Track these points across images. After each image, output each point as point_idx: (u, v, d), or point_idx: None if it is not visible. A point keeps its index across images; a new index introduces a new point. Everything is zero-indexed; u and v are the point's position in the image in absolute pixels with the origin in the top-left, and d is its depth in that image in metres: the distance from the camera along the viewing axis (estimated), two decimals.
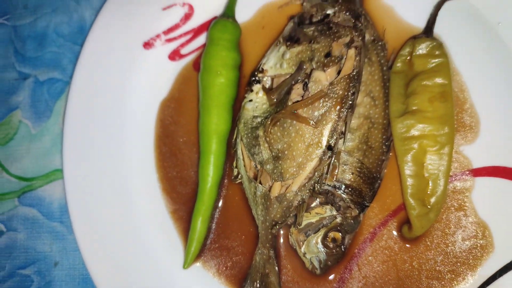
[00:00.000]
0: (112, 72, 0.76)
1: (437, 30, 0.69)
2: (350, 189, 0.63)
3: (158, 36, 0.76)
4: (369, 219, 0.66)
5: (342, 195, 0.63)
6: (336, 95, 0.61)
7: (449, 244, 0.63)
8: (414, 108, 0.63)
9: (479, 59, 0.68)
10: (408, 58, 0.67)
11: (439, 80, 0.63)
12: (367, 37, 0.68)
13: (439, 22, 0.69)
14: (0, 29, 0.88)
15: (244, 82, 0.74)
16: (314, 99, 0.61)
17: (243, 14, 0.76)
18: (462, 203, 0.64)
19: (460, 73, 0.68)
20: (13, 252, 0.79)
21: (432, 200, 0.61)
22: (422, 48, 0.65)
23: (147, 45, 0.76)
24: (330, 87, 0.61)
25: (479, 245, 0.63)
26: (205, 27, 0.77)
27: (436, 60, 0.64)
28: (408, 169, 0.62)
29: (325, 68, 0.62)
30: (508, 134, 0.65)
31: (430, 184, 0.61)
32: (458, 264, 0.63)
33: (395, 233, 0.66)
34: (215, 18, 0.77)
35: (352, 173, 0.63)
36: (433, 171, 0.61)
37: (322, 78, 0.62)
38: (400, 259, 0.64)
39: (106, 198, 0.73)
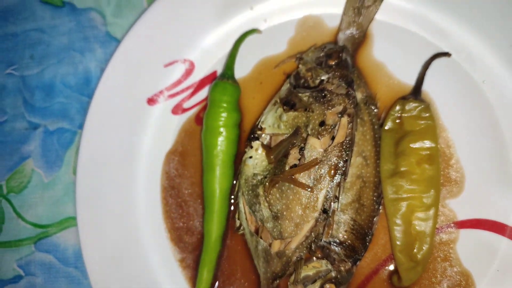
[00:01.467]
0: (119, 126, 0.80)
1: (425, 86, 0.74)
2: (343, 244, 0.68)
3: (161, 92, 0.81)
4: (362, 268, 0.72)
5: (336, 250, 0.68)
6: (330, 162, 0.65)
7: None
8: (403, 169, 0.68)
9: (465, 116, 0.72)
10: (398, 117, 0.71)
11: (426, 143, 0.67)
12: (359, 96, 0.72)
13: (427, 78, 0.73)
14: (8, 79, 0.92)
15: (244, 135, 0.78)
16: (310, 166, 0.65)
17: (241, 69, 0.80)
18: (448, 254, 0.70)
19: (447, 129, 0.73)
20: None
21: (419, 256, 0.66)
22: (411, 110, 0.70)
23: (151, 101, 0.80)
24: (325, 155, 0.66)
25: None
26: (206, 81, 0.81)
27: (424, 122, 0.69)
28: (397, 228, 0.67)
29: (319, 136, 0.66)
30: (491, 188, 0.70)
31: (417, 242, 0.66)
32: None
33: (386, 280, 0.71)
34: (215, 72, 0.81)
35: (346, 231, 0.68)
36: (420, 229, 0.66)
37: (317, 145, 0.66)
38: None
39: (117, 246, 0.78)
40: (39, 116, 0.90)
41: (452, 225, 0.70)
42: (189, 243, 0.78)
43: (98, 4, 0.90)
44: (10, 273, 0.86)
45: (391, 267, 0.71)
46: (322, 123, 0.66)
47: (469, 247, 0.70)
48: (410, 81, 0.75)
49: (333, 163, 0.65)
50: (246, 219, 0.73)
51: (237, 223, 0.75)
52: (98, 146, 0.80)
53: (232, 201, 0.76)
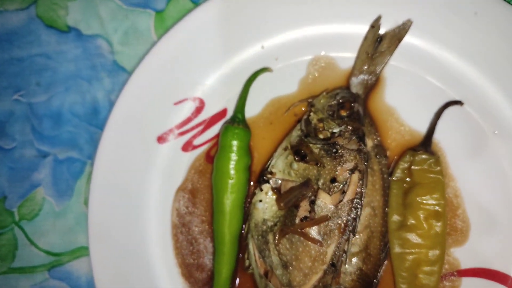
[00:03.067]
0: (129, 162, 0.81)
1: (436, 134, 0.74)
2: None
3: (171, 130, 0.81)
4: None
5: None
6: (340, 219, 0.67)
7: None
8: (410, 222, 0.69)
9: (474, 166, 0.73)
10: (407, 168, 0.72)
11: (434, 199, 0.68)
12: (370, 143, 0.73)
13: (438, 126, 0.73)
14: (16, 105, 0.91)
15: (254, 176, 0.79)
16: (320, 221, 0.67)
17: (252, 108, 0.79)
18: None
19: (455, 178, 0.73)
20: None
21: None
22: (421, 162, 0.70)
23: (161, 139, 0.81)
24: (335, 211, 0.67)
25: None
26: (216, 118, 0.81)
27: (433, 175, 0.69)
28: (402, 280, 0.69)
29: (330, 192, 0.67)
30: (495, 239, 0.72)
31: None
32: None
33: None
34: (225, 110, 0.81)
35: (352, 280, 0.71)
36: (425, 283, 0.68)
37: (328, 201, 0.67)
38: None
39: (130, 279, 0.81)
40: (48, 144, 0.90)
41: (455, 273, 0.73)
42: (199, 279, 0.80)
43: (104, 31, 0.88)
44: None
45: None
46: (334, 180, 0.67)
47: None
48: (420, 127, 0.75)
49: (343, 220, 0.67)
50: (255, 260, 0.75)
51: (247, 262, 0.77)
52: (109, 181, 0.81)
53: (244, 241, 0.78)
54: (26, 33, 0.92)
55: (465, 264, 0.73)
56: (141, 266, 0.81)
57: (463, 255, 0.73)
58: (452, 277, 0.73)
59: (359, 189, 0.67)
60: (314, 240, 0.67)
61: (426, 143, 0.72)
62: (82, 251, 0.88)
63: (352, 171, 0.67)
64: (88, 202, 0.86)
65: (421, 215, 0.69)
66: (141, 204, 0.81)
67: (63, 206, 0.89)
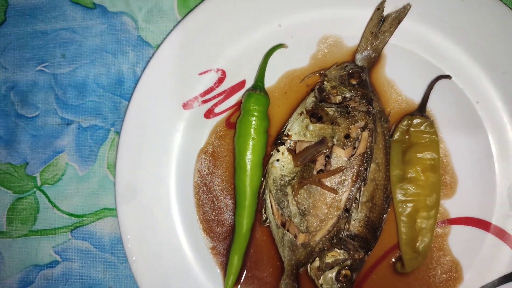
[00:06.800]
0: (155, 127, 0.88)
1: (428, 103, 0.86)
2: (358, 237, 0.81)
3: (195, 98, 0.89)
4: (371, 257, 0.84)
5: (352, 242, 0.81)
6: (353, 170, 0.77)
7: (431, 276, 0.84)
8: (410, 175, 0.80)
9: (460, 130, 0.85)
10: (405, 130, 0.83)
11: (430, 154, 0.80)
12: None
13: (430, 96, 0.86)
14: (40, 75, 0.96)
15: (270, 140, 0.88)
16: (335, 172, 0.77)
17: (268, 80, 0.89)
18: (441, 245, 0.84)
19: (444, 141, 0.85)
20: (69, 279, 0.93)
21: (421, 248, 0.80)
22: (417, 125, 0.82)
23: (186, 105, 0.88)
24: (348, 163, 0.77)
25: (452, 277, 0.83)
26: (236, 89, 0.90)
27: (428, 136, 0.81)
28: (403, 225, 0.80)
29: (344, 147, 0.77)
30: (479, 192, 0.84)
31: (420, 236, 0.80)
32: None
33: (391, 266, 0.85)
34: (244, 81, 0.90)
35: (360, 226, 0.81)
36: (422, 226, 0.80)
37: (342, 154, 0.78)
38: (394, 287, 0.84)
39: (154, 236, 0.87)
40: (72, 113, 0.95)
41: (446, 221, 0.84)
42: (219, 233, 0.88)
43: (129, 9, 0.95)
44: (47, 258, 0.93)
45: (395, 257, 0.85)
46: (347, 136, 0.77)
47: (458, 240, 0.84)
48: (415, 97, 0.87)
49: (355, 171, 0.77)
50: (272, 213, 0.83)
51: (264, 216, 0.85)
52: (136, 144, 0.87)
53: (260, 196, 0.86)
54: (51, 8, 0.97)
55: (453, 214, 0.85)
56: (165, 224, 0.87)
57: (452, 206, 0.85)
58: (442, 224, 0.84)
59: (368, 144, 0.78)
60: (330, 189, 0.77)
61: (421, 109, 0.84)
62: (105, 212, 0.93)
63: (363, 128, 0.78)
64: (110, 167, 0.93)
65: (419, 169, 0.80)
66: (165, 166, 0.88)
67: (86, 171, 0.94)
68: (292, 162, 0.82)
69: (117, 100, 0.94)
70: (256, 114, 0.83)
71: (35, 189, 0.94)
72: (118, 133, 0.93)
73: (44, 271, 0.93)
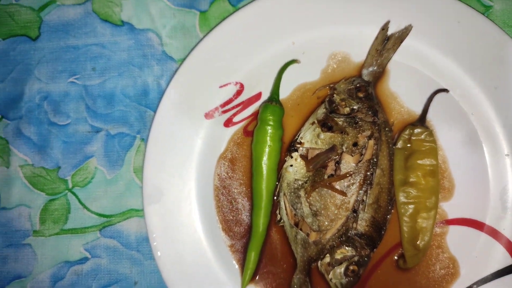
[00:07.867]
0: (179, 135, 0.95)
1: (428, 114, 0.95)
2: (365, 236, 0.89)
3: (216, 108, 0.97)
4: (376, 253, 0.93)
5: (359, 240, 0.89)
6: (360, 175, 0.86)
7: (431, 272, 0.92)
8: (411, 180, 0.89)
9: (457, 139, 0.93)
10: (407, 139, 0.92)
11: (429, 161, 0.89)
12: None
13: (430, 108, 0.94)
14: (71, 86, 1.04)
15: (284, 147, 0.97)
16: (344, 177, 0.85)
17: (283, 92, 0.97)
18: (440, 243, 0.92)
19: (443, 148, 0.94)
20: (98, 274, 1.00)
21: (421, 245, 0.88)
22: (418, 134, 0.91)
23: (208, 115, 0.97)
24: (356, 168, 0.86)
25: (450, 272, 0.92)
26: (253, 100, 0.98)
27: (428, 144, 0.90)
28: (405, 224, 0.89)
29: (352, 154, 0.86)
30: (475, 194, 0.92)
31: (420, 235, 0.88)
32: (436, 286, 0.91)
33: (394, 262, 0.93)
34: (260, 93, 0.98)
35: (367, 225, 0.89)
36: (423, 226, 0.88)
37: (350, 160, 0.86)
38: (397, 281, 0.92)
39: (178, 235, 0.94)
40: (101, 121, 1.03)
41: (444, 222, 0.93)
42: (237, 232, 0.96)
43: (155, 26, 1.04)
44: (77, 255, 1.01)
45: (398, 254, 0.93)
46: (355, 144, 0.86)
47: (455, 239, 0.92)
48: (416, 108, 0.95)
49: (362, 175, 0.86)
50: (286, 214, 0.92)
51: (278, 217, 0.94)
52: (161, 150, 0.95)
53: (275, 198, 0.95)
54: (82, 25, 1.06)
55: (451, 215, 0.93)
56: (188, 224, 0.95)
57: (449, 208, 0.93)
58: (441, 224, 0.93)
59: (374, 152, 0.86)
60: (339, 192, 0.85)
61: (421, 120, 0.93)
62: (132, 212, 1.01)
63: (369, 137, 0.86)
64: (136, 171, 1.02)
65: (420, 174, 0.89)
66: (188, 170, 0.96)
67: (114, 175, 1.02)
68: (305, 167, 0.90)
69: (142, 109, 1.03)
70: (271, 123, 0.92)
71: (66, 191, 1.02)
72: (143, 140, 1.02)
73: (75, 267, 1.01)
